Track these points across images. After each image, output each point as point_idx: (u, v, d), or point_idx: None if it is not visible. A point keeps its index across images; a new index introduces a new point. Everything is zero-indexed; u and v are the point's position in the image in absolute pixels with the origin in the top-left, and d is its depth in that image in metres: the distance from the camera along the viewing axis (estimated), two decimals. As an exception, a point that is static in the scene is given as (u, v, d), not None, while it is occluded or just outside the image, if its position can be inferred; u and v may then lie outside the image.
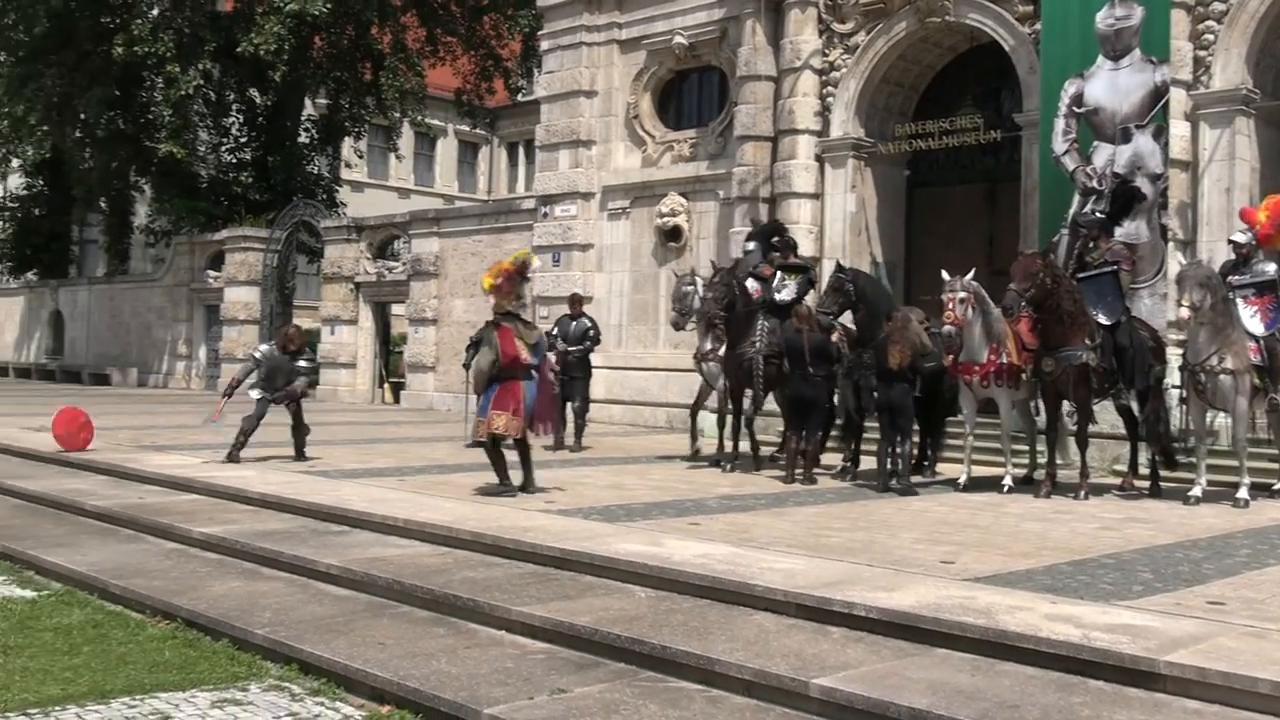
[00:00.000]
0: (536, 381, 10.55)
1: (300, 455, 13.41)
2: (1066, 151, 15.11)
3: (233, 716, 5.52)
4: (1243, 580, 7.22)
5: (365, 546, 8.56)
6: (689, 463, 13.91)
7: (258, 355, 13.78)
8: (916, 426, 12.30)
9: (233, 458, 12.87)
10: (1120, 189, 14.26)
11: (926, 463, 12.97)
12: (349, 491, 10.60)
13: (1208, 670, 5.12)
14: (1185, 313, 10.54)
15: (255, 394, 13.56)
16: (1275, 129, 15.03)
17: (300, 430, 13.58)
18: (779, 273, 13.64)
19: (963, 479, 11.87)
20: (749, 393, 13.11)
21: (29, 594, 7.94)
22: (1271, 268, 11.55)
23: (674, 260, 19.97)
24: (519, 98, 37.08)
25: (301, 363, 13.92)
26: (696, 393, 14.80)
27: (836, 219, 17.99)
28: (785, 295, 13.27)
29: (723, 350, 13.55)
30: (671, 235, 20.14)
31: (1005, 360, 11.76)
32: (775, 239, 14.92)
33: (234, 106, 31.96)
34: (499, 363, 10.41)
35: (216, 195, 31.29)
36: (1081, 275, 12.10)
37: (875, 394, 11.91)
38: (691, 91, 21.01)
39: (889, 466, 11.56)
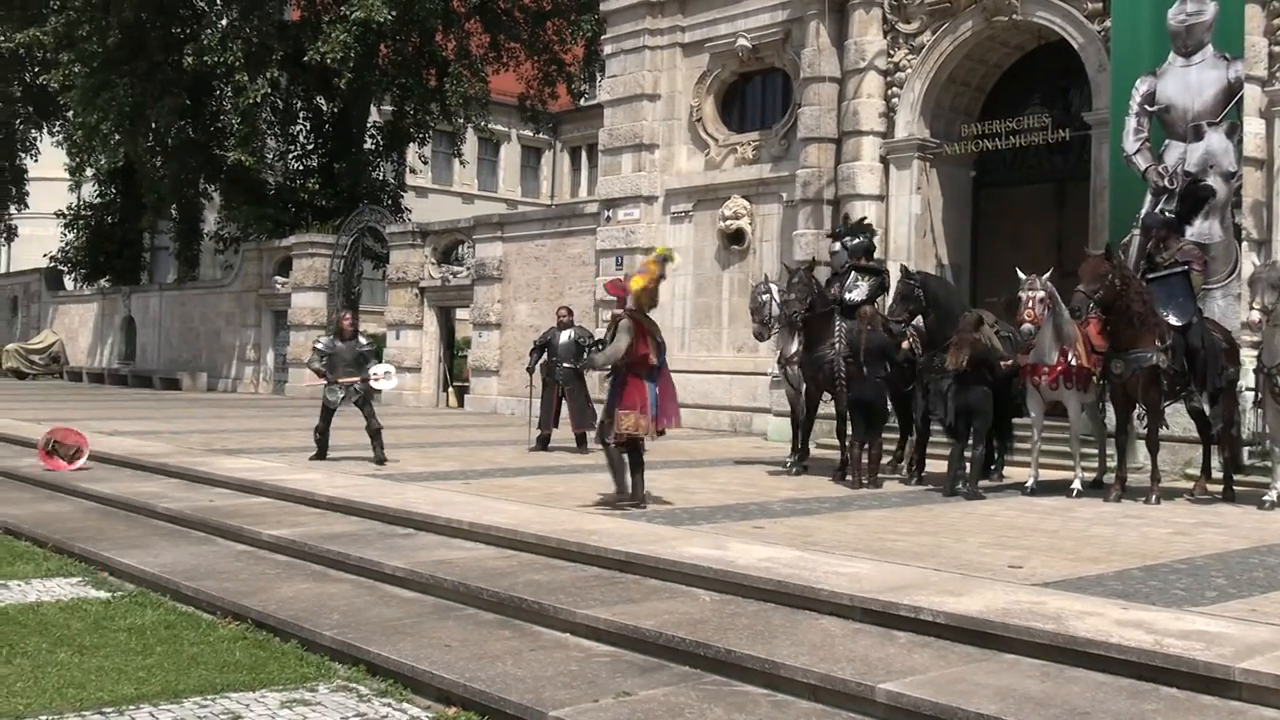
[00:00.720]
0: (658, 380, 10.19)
1: (378, 451, 13.27)
2: (1138, 150, 14.87)
3: (301, 716, 5.58)
4: (1321, 587, 7.06)
5: (431, 549, 8.63)
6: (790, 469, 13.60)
7: (320, 346, 13.84)
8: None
9: (321, 455, 13.41)
10: (1190, 188, 14.00)
11: (994, 466, 12.80)
12: (414, 494, 10.69)
13: (1285, 678, 5.01)
14: (1256, 315, 10.32)
15: (329, 396, 13.52)
16: (1353, 125, 14.68)
17: (370, 422, 13.39)
18: (853, 273, 13.59)
19: (1030, 482, 11.71)
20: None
21: (103, 595, 8.09)
22: (1348, 266, 11.27)
23: (737, 263, 19.93)
24: (581, 102, 37.22)
25: (363, 342, 13.95)
26: (786, 400, 14.56)
27: (901, 221, 17.85)
28: (857, 295, 13.21)
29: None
30: (735, 238, 20.10)
31: (1074, 363, 11.60)
32: (851, 238, 14.78)
33: (301, 114, 32.41)
34: (627, 357, 9.91)
35: (284, 202, 31.73)
36: (1152, 276, 11.89)
37: (950, 397, 11.73)
38: (754, 94, 20.95)
39: (957, 470, 11.45)
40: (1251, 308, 10.43)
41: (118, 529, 10.20)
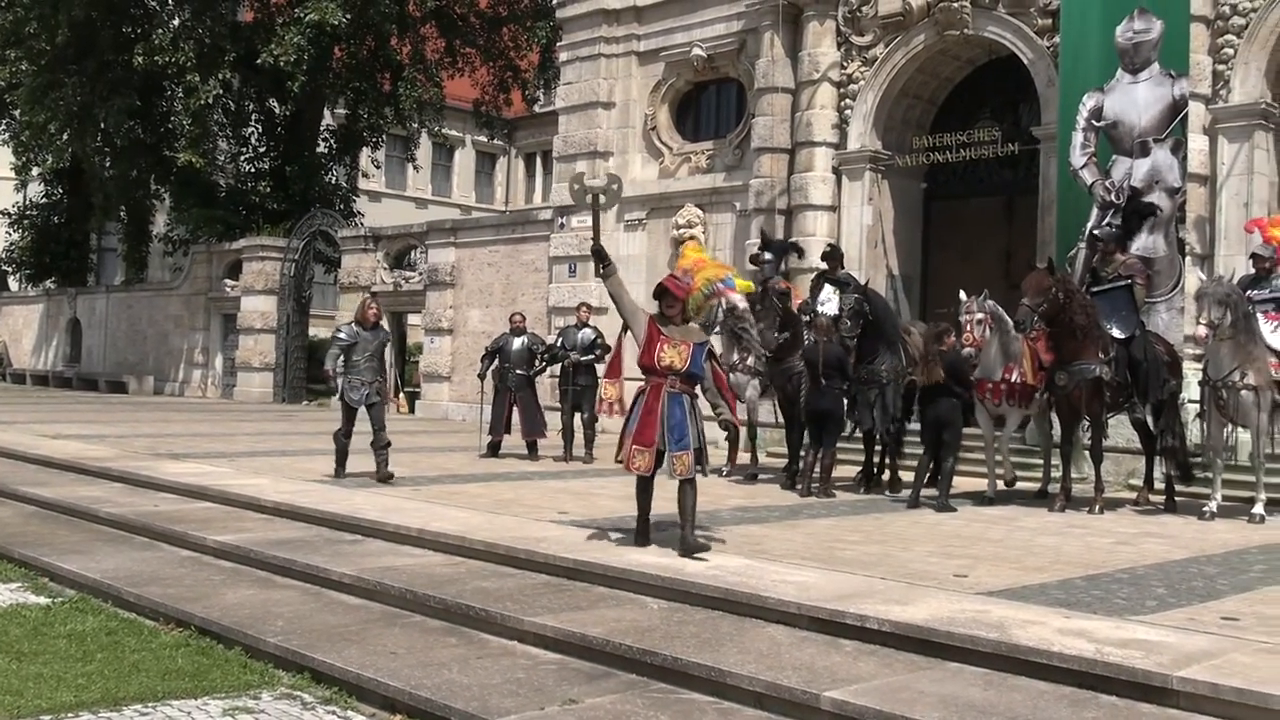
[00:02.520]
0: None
1: (381, 471, 12.08)
2: (1085, 165, 15.08)
3: (244, 724, 5.53)
4: (1257, 596, 7.18)
5: (378, 555, 8.58)
6: (733, 477, 13.70)
7: (341, 335, 12.53)
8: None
9: (341, 468, 12.30)
10: (1133, 204, 14.22)
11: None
12: (362, 500, 10.62)
13: (1221, 686, 5.09)
14: (1203, 331, 10.49)
15: (350, 394, 12.36)
16: (1294, 143, 14.97)
17: (379, 435, 12.21)
18: (825, 285, 13.67)
19: (990, 491, 11.93)
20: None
21: (43, 601, 7.97)
22: (1292, 282, 11.50)
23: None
24: (536, 108, 37.20)
25: (386, 330, 12.78)
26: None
27: (853, 231, 17.96)
28: (829, 309, 13.29)
29: (749, 360, 13.59)
30: (687, 247, 20.12)
31: (1018, 380, 11.79)
32: (796, 254, 15.02)
33: (253, 116, 32.13)
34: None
35: (235, 204, 31.45)
36: (1096, 290, 12.08)
37: (919, 410, 11.87)
38: (709, 103, 21.04)
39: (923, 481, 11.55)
40: (1198, 323, 10.60)
41: (59, 534, 10.05)
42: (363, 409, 12.45)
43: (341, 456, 12.42)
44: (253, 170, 32.37)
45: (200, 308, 31.12)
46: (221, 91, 28.65)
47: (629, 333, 8.77)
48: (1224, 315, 10.44)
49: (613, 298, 9.06)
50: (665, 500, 9.60)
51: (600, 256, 9.12)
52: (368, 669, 6.04)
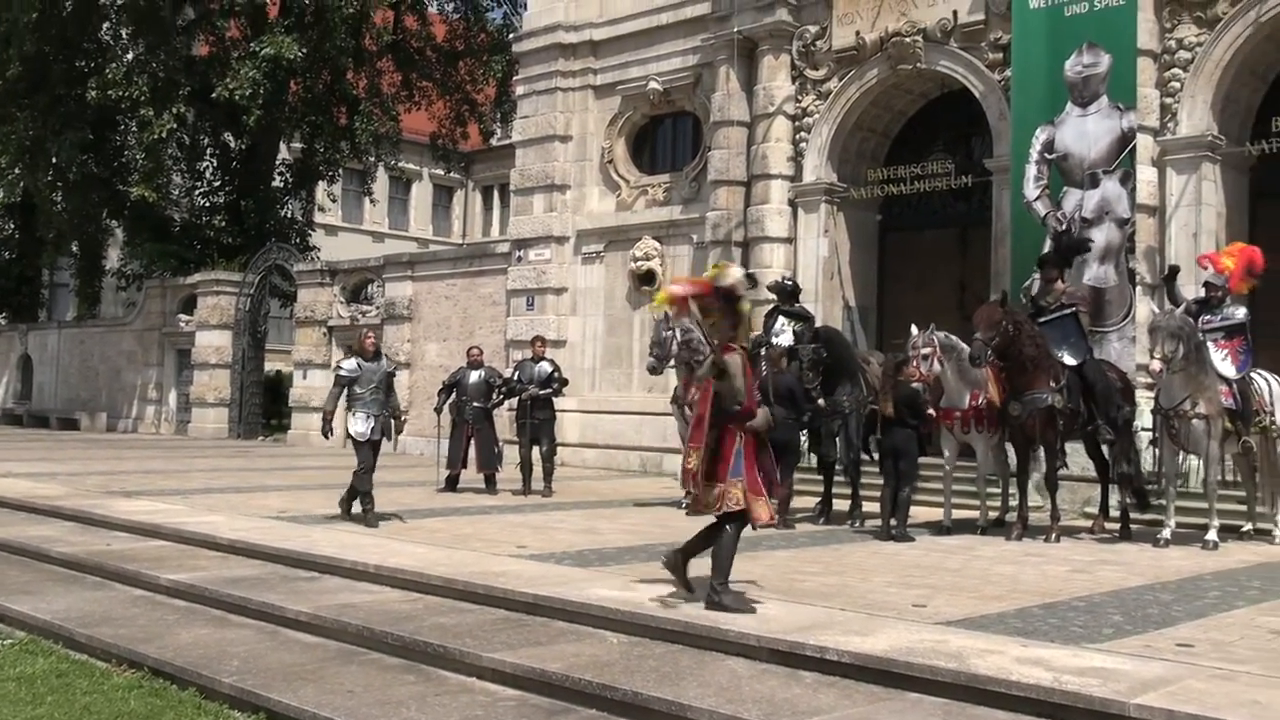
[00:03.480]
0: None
1: (366, 512, 11.50)
2: (1038, 197, 15.27)
3: (198, 766, 5.44)
4: (1211, 622, 7.25)
5: (335, 593, 8.49)
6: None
7: (344, 371, 11.91)
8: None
9: (369, 520, 11.48)
10: (1067, 242, 14.42)
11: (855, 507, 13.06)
12: (319, 537, 10.53)
13: (1176, 713, 5.13)
14: (1157, 365, 10.63)
15: (356, 427, 11.82)
16: (1240, 175, 15.23)
17: (363, 477, 11.66)
18: (780, 318, 13.73)
19: (946, 521, 11.97)
20: None
21: (-8, 642, 7.82)
22: (1241, 311, 11.70)
23: (647, 304, 20.01)
24: (493, 142, 37.24)
25: (386, 363, 12.12)
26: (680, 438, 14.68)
27: (809, 264, 18.08)
28: (784, 340, 13.33)
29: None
30: (645, 279, 20.19)
31: (985, 404, 11.86)
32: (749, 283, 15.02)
33: (208, 150, 31.94)
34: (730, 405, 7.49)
35: (189, 239, 31.20)
36: (1044, 319, 12.23)
37: (877, 440, 11.96)
38: (665, 136, 21.16)
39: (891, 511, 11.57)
40: (1152, 357, 10.73)
41: (9, 574, 9.87)
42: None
43: (367, 498, 11.66)
44: (207, 204, 32.14)
45: (154, 343, 30.79)
46: (176, 125, 28.46)
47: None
48: (1176, 348, 10.60)
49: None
50: (624, 532, 9.60)
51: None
52: (324, 708, 5.97)
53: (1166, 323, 10.73)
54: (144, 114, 27.28)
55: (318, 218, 36.34)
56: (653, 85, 20.08)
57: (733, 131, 18.61)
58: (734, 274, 7.86)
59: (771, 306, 14.37)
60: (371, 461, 11.80)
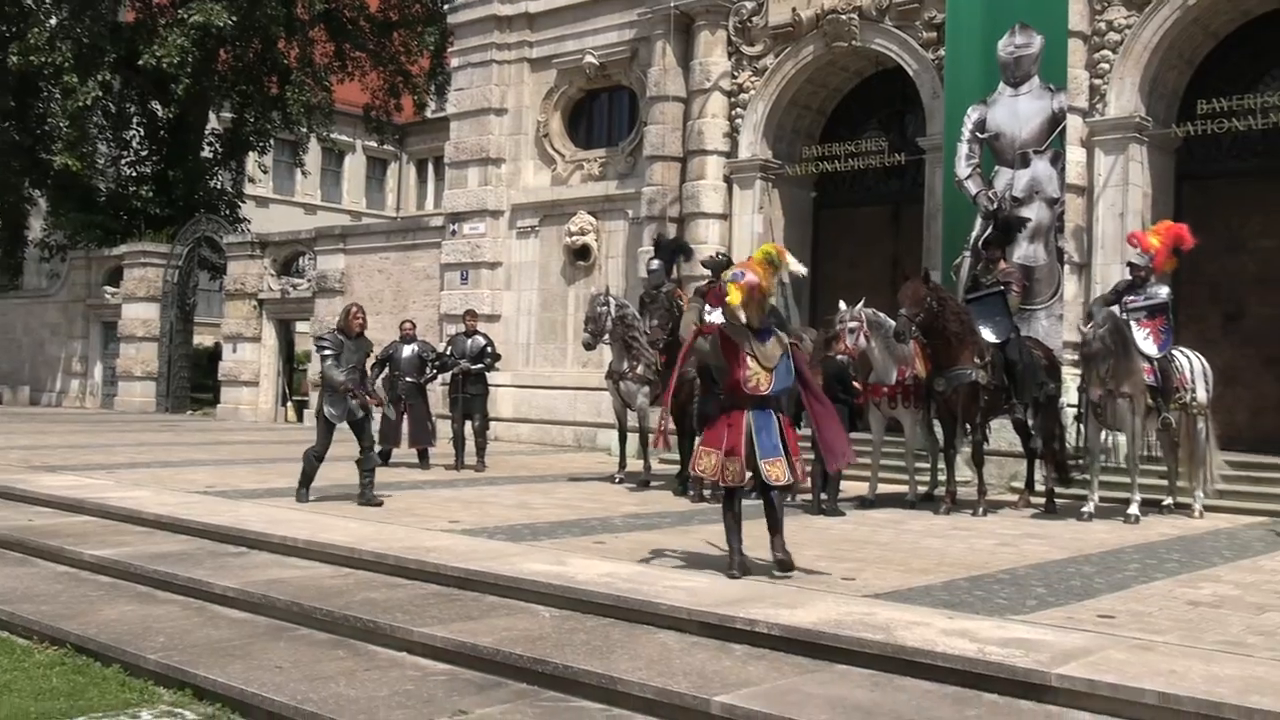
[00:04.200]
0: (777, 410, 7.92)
1: (367, 491, 11.14)
2: (970, 176, 15.43)
3: (122, 743, 5.37)
4: (1131, 594, 7.40)
5: (264, 568, 8.41)
6: (625, 484, 13.74)
7: (326, 343, 11.22)
8: None
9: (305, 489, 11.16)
10: (1004, 217, 14.61)
11: None
12: (248, 512, 10.41)
13: (1097, 682, 5.23)
14: (1098, 393, 10.92)
15: (326, 407, 11.23)
16: (1166, 156, 15.50)
17: (367, 455, 11.25)
18: None
19: (871, 494, 12.10)
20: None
21: (-91, 619, 7.65)
22: (1164, 291, 11.91)
23: (583, 279, 19.99)
24: (427, 114, 36.87)
25: (370, 340, 11.69)
26: (614, 412, 14.65)
27: (744, 240, 18.12)
28: (716, 317, 13.30)
29: (640, 369, 13.61)
30: (580, 254, 20.16)
31: (911, 380, 12.00)
32: (683, 256, 15.10)
33: (134, 119, 31.29)
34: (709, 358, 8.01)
35: (115, 209, 30.60)
36: (970, 297, 12.41)
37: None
38: (602, 111, 21.09)
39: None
40: (1091, 385, 11.01)
41: (-73, 550, 9.67)
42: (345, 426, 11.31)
43: (307, 478, 11.26)
44: (134, 174, 31.50)
45: (79, 315, 30.22)
46: (101, 93, 27.90)
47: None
48: (1107, 368, 10.84)
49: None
50: (557, 507, 9.58)
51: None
52: (252, 684, 5.91)
53: (1095, 349, 10.88)
54: (68, 81, 26.67)
55: (248, 189, 35.79)
56: (589, 59, 19.99)
57: (669, 107, 18.59)
58: (792, 263, 8.23)
59: (705, 283, 14.36)
60: (324, 447, 11.31)
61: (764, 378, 7.72)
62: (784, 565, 7.70)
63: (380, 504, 11.10)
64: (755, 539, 7.89)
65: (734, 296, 7.76)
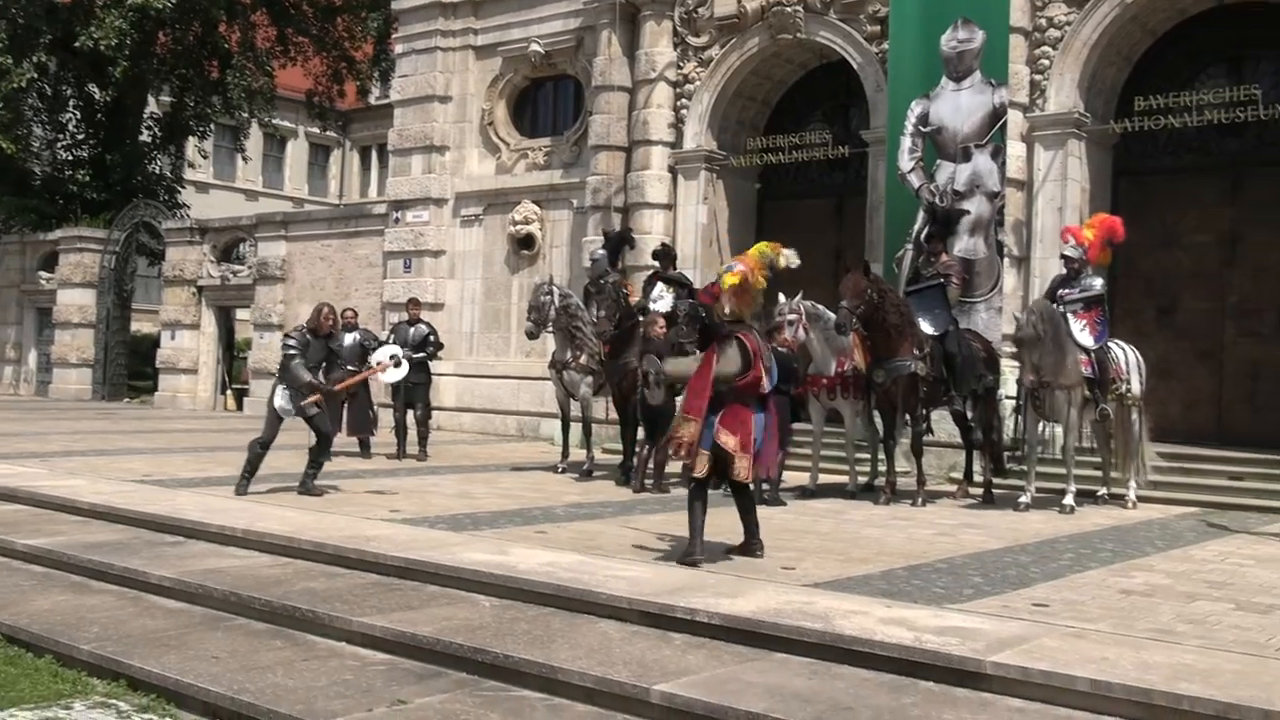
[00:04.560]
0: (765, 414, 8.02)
1: (308, 481, 11.08)
2: (912, 169, 15.54)
3: (54, 735, 5.30)
4: (1066, 583, 7.52)
5: (201, 558, 8.32)
6: (568, 474, 13.72)
7: (292, 343, 11.03)
8: None
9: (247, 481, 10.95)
10: (942, 209, 14.76)
11: None
12: (185, 501, 10.29)
13: (1030, 670, 5.31)
14: (1031, 378, 11.11)
15: (279, 401, 11.03)
16: (1104, 152, 15.71)
17: (322, 448, 11.22)
18: (659, 284, 13.74)
19: (812, 484, 12.19)
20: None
21: None
22: (1098, 282, 12.07)
23: (527, 268, 19.93)
24: (371, 101, 36.55)
25: (347, 343, 11.37)
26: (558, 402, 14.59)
27: (688, 230, 18.17)
28: (661, 306, 13.35)
29: (583, 359, 13.61)
30: (525, 243, 20.09)
31: (851, 371, 12.09)
32: (628, 246, 15.11)
33: (71, 101, 30.70)
34: (734, 379, 7.80)
35: (51, 193, 30.04)
36: (910, 289, 12.53)
37: None
38: (547, 99, 21.01)
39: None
40: (1024, 373, 11.17)
41: None
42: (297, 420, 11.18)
43: (251, 468, 10.95)
44: (70, 158, 30.91)
45: (12, 301, 29.65)
46: (36, 75, 27.37)
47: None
48: (1041, 357, 11.01)
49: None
50: (499, 497, 9.54)
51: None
52: (188, 675, 5.85)
53: (1027, 334, 11.03)
54: (2, 62, 26.12)
55: (188, 174, 35.31)
56: (534, 47, 19.90)
57: (614, 96, 18.56)
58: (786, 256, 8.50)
59: (650, 272, 14.42)
60: (271, 438, 11.12)
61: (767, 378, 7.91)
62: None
63: (321, 494, 10.98)
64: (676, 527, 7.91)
65: (731, 279, 8.07)
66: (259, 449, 11.02)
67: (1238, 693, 4.96)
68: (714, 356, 7.86)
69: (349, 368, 14.96)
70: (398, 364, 12.15)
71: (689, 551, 7.78)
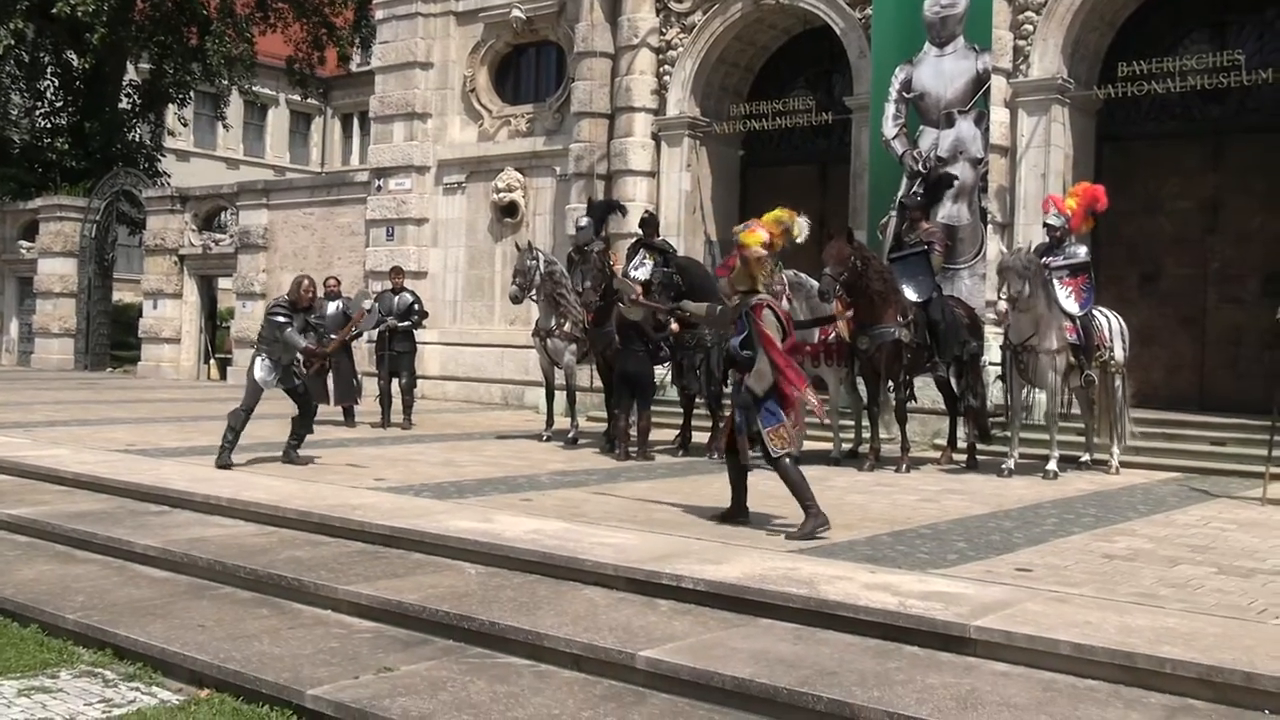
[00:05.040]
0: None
1: (291, 452, 11.08)
2: (896, 135, 15.51)
3: (41, 704, 5.29)
4: (1049, 548, 7.57)
5: (186, 527, 8.31)
6: (552, 442, 13.73)
7: (280, 316, 10.87)
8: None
9: (224, 462, 10.67)
10: (932, 174, 14.74)
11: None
12: (170, 470, 10.27)
13: (1014, 634, 5.35)
14: (1004, 305, 11.02)
15: (259, 373, 10.92)
16: (1088, 118, 15.69)
17: (305, 419, 11.23)
18: (641, 250, 13.71)
19: (796, 450, 12.20)
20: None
21: None
22: (1083, 250, 12.10)
23: (510, 236, 19.84)
24: (352, 68, 36.28)
25: (331, 310, 11.26)
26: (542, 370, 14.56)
27: (672, 197, 18.13)
28: (642, 274, 13.32)
29: (567, 327, 13.60)
30: (508, 211, 20.02)
31: (835, 338, 12.11)
32: (620, 213, 15.06)
33: (49, 69, 30.44)
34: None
35: (30, 162, 29.81)
36: (894, 256, 12.53)
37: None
38: (529, 66, 20.88)
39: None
40: (1000, 297, 11.11)
41: None
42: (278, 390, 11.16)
43: (232, 437, 10.78)
44: (49, 126, 30.66)
45: (-8, 271, 29.51)
46: (14, 42, 27.10)
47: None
48: (1023, 288, 10.97)
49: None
50: (484, 465, 9.54)
51: None
52: (173, 643, 5.85)
53: (1014, 262, 11.10)
54: (-22, 30, 25.87)
55: (169, 143, 35.09)
56: (516, 13, 19.76)
57: (597, 63, 18.46)
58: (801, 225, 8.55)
59: (634, 240, 14.37)
60: (251, 407, 10.99)
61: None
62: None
63: (306, 464, 10.96)
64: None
65: (753, 238, 7.97)
66: (242, 416, 10.89)
67: (1220, 655, 5.01)
68: (764, 328, 7.76)
69: (331, 336, 14.94)
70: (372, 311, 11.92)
71: (819, 521, 7.68)
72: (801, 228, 8.52)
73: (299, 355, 11.02)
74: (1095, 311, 12.09)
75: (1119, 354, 12.08)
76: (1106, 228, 14.45)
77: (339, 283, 15.91)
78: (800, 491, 7.78)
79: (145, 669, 5.77)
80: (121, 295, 30.70)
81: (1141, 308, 15.00)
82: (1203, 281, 15.43)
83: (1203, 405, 14.59)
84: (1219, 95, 14.66)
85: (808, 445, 12.54)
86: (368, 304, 12.03)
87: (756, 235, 8.06)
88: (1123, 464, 11.99)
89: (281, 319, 10.87)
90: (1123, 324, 12.27)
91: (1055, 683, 5.06)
